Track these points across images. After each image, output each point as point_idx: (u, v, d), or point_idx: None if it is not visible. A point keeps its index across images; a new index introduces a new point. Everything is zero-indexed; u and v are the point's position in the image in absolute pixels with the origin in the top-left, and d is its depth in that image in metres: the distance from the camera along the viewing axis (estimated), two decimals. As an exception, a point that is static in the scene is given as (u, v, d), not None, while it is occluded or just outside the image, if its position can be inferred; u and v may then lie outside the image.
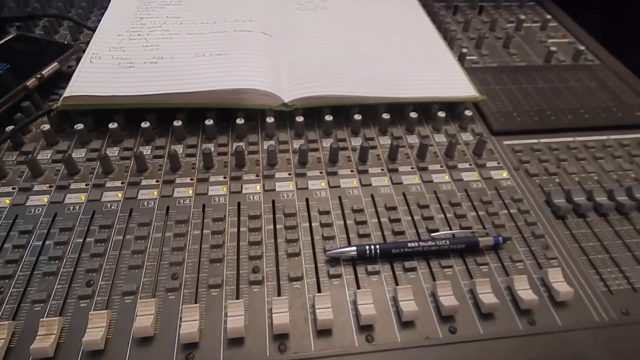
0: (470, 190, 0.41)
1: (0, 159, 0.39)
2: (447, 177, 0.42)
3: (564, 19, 0.70)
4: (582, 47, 0.61)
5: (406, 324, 0.31)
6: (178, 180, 0.40)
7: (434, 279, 0.34)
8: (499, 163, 0.44)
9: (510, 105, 0.52)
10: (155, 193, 0.39)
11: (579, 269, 0.35)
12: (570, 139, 0.48)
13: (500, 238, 0.36)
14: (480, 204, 0.40)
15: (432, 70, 0.51)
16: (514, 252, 0.36)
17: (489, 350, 0.30)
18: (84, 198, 0.38)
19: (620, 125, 0.50)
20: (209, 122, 0.44)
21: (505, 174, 0.43)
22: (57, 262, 0.33)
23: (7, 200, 0.37)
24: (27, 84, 0.44)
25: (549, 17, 0.69)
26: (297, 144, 0.44)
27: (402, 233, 0.37)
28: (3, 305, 0.30)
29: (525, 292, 0.32)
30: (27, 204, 0.37)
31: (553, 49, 0.60)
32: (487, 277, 0.34)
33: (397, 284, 0.33)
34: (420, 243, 0.35)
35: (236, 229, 0.36)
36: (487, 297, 0.32)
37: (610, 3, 0.80)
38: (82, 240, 0.35)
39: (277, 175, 0.41)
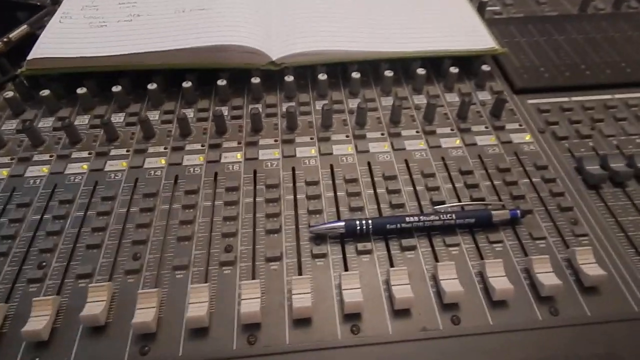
0: (485, 157, 0.35)
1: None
2: (458, 142, 0.37)
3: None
4: (625, -9, 0.53)
5: (400, 313, 0.26)
6: (151, 150, 0.36)
7: (436, 260, 0.29)
8: (520, 125, 0.38)
9: (537, 60, 0.44)
10: (125, 164, 0.35)
11: (615, 249, 0.30)
12: (609, 96, 0.41)
13: (519, 211, 0.30)
14: (496, 172, 0.34)
15: (444, 19, 0.45)
16: (534, 228, 0.30)
17: (499, 345, 0.25)
18: (46, 170, 0.34)
19: (669, 79, 0.42)
20: (187, 84, 0.39)
21: (528, 137, 0.37)
22: (10, 241, 0.30)
23: (-35, 174, 0.34)
24: (-7, 47, 0.40)
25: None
26: (285, 106, 0.39)
27: (401, 206, 0.32)
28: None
29: (547, 276, 0.27)
30: (-13, 177, 0.34)
31: (590, -6, 0.52)
32: (501, 257, 0.29)
33: (392, 265, 0.28)
34: (421, 217, 0.30)
35: (210, 203, 0.32)
36: (499, 281, 0.27)
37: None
38: (39, 217, 0.31)
39: (262, 142, 0.36)
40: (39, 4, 0.48)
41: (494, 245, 0.30)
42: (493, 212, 0.30)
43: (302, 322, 0.26)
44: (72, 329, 0.25)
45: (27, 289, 0.27)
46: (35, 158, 0.35)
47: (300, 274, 0.28)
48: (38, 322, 0.25)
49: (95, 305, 0.25)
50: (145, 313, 0.25)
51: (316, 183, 0.33)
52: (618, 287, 0.27)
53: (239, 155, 0.35)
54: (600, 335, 0.25)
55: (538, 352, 0.25)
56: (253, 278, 0.28)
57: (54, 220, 0.31)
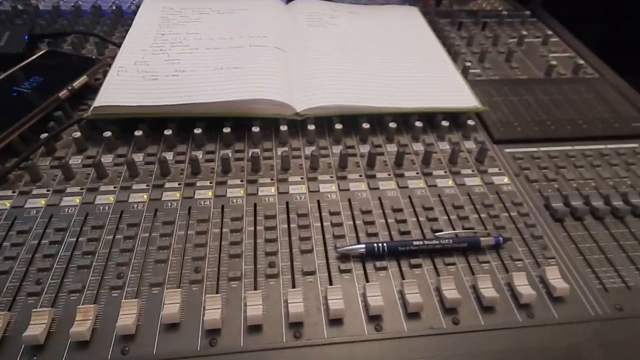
0: (473, 194, 0.44)
1: (35, 164, 0.42)
2: (450, 182, 0.45)
3: (565, 34, 0.73)
4: (581, 62, 0.64)
5: (412, 315, 0.33)
6: (199, 184, 0.43)
7: (438, 275, 0.36)
8: (500, 169, 0.47)
9: (512, 116, 0.54)
10: (178, 195, 0.42)
11: (576, 268, 0.38)
12: (569, 147, 0.51)
13: (501, 238, 0.38)
14: (482, 207, 0.42)
15: (437, 82, 0.54)
16: (513, 252, 0.38)
17: (490, 339, 0.32)
18: (112, 199, 0.41)
19: (617, 135, 0.52)
20: (226, 130, 0.47)
21: (506, 180, 0.46)
22: (90, 256, 0.36)
23: (42, 201, 0.40)
24: (60, 95, 0.48)
25: (549, 32, 0.73)
26: (308, 150, 0.47)
27: (408, 233, 0.39)
28: (42, 295, 0.33)
29: (524, 288, 0.35)
30: (61, 204, 0.40)
31: (553, 62, 0.63)
32: (488, 273, 0.36)
33: (403, 278, 0.36)
34: (425, 241, 0.37)
35: (253, 228, 0.39)
36: (488, 291, 0.34)
37: (609, 18, 0.83)
38: (112, 237, 0.37)
39: (291, 179, 0.44)
40: (93, 57, 0.56)
41: (483, 264, 0.37)
42: (481, 238, 0.38)
43: (336, 321, 0.33)
44: (152, 325, 0.32)
45: (110, 293, 0.33)
46: (102, 188, 0.42)
47: (331, 284, 0.35)
48: (128, 318, 0.31)
49: (172, 306, 0.32)
50: (213, 312, 0.31)
51: (338, 213, 0.41)
52: (579, 297, 0.35)
53: (272, 190, 0.43)
54: (566, 333, 0.33)
55: (519, 345, 0.32)
56: (293, 287, 0.35)
57: (125, 240, 0.37)
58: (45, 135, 0.45)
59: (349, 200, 0.42)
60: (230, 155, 0.46)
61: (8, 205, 0.40)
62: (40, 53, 0.53)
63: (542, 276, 0.36)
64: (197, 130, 0.46)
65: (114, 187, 0.42)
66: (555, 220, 0.42)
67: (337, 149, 0.48)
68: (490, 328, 0.33)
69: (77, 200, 0.41)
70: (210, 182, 0.43)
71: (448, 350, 0.32)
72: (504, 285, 0.36)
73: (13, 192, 0.41)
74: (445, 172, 0.46)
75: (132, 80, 0.49)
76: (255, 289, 0.34)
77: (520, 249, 0.39)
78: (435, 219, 0.41)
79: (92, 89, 0.52)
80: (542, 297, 0.35)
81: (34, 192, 0.41)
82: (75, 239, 0.37)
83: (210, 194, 0.42)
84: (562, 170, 0.48)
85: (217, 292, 0.34)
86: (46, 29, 0.63)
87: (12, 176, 0.42)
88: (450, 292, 0.34)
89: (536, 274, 0.37)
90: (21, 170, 0.42)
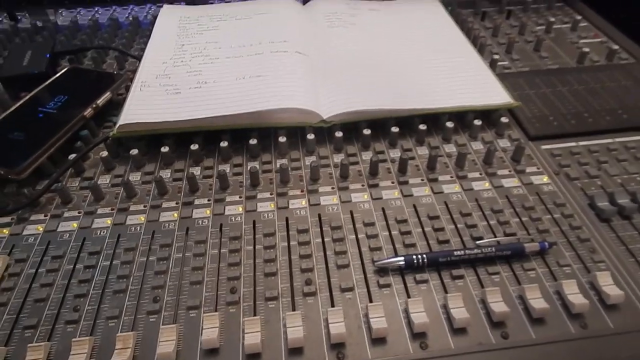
0: (512, 197, 0.42)
1: (65, 185, 0.42)
2: (487, 185, 0.43)
3: (595, 19, 0.70)
4: (615, 46, 0.61)
5: (458, 331, 0.32)
6: (228, 199, 0.42)
7: (482, 286, 0.35)
8: (538, 168, 0.45)
9: (546, 109, 0.52)
10: (208, 212, 0.41)
11: (628, 272, 0.36)
12: (610, 140, 0.48)
13: (546, 243, 0.37)
14: (522, 209, 0.41)
15: (466, 78, 0.52)
16: (560, 257, 0.37)
17: (543, 354, 0.31)
18: (143, 219, 0.40)
19: (662, 123, 0.49)
20: (253, 141, 0.46)
21: (545, 179, 0.44)
22: (125, 280, 0.35)
23: (74, 224, 0.40)
24: (85, 114, 0.47)
25: (579, 17, 0.69)
26: (337, 158, 0.46)
27: (446, 242, 0.38)
28: (81, 323, 0.33)
29: (575, 297, 0.33)
30: (93, 226, 0.40)
31: (585, 49, 0.60)
32: (535, 282, 0.34)
33: (446, 292, 0.34)
34: (467, 251, 0.36)
35: (286, 243, 0.38)
36: (537, 302, 0.33)
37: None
38: (145, 259, 0.37)
39: (321, 189, 0.43)
40: (115, 72, 0.56)
41: (529, 272, 0.36)
42: (525, 244, 0.36)
43: (379, 340, 0.31)
44: (192, 351, 0.31)
45: (147, 318, 0.33)
46: (132, 208, 0.41)
47: (370, 301, 0.34)
48: (167, 346, 0.30)
49: (210, 331, 0.31)
50: (252, 336, 0.31)
51: (372, 224, 0.39)
52: (634, 304, 0.33)
53: (303, 202, 0.42)
54: (624, 344, 0.31)
55: (574, 358, 0.30)
56: (332, 305, 0.34)
57: (159, 262, 0.37)
58: (73, 155, 0.45)
59: (383, 210, 0.41)
60: (258, 167, 0.45)
61: (41, 229, 0.40)
62: (63, 71, 0.53)
63: (593, 282, 0.35)
64: (224, 144, 0.46)
65: (144, 207, 0.42)
66: (601, 220, 0.40)
67: (366, 156, 0.46)
68: (543, 342, 0.31)
69: (108, 221, 0.40)
70: (240, 197, 0.42)
71: (499, 367, 0.30)
72: (553, 294, 0.34)
73: (45, 216, 0.41)
74: (480, 174, 0.44)
75: (156, 95, 0.49)
76: (294, 309, 0.33)
77: (567, 253, 0.37)
78: (475, 226, 0.39)
79: (115, 105, 0.51)
80: (594, 305, 0.33)
81: (66, 214, 0.41)
82: (109, 262, 0.37)
83: (240, 209, 0.41)
84: (604, 165, 0.45)
85: (254, 314, 0.33)
86: (66, 45, 0.63)
87: (43, 199, 0.42)
88: (498, 305, 0.32)
89: (586, 281, 0.35)
90: (52, 192, 0.42)
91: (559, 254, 0.37)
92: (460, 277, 0.35)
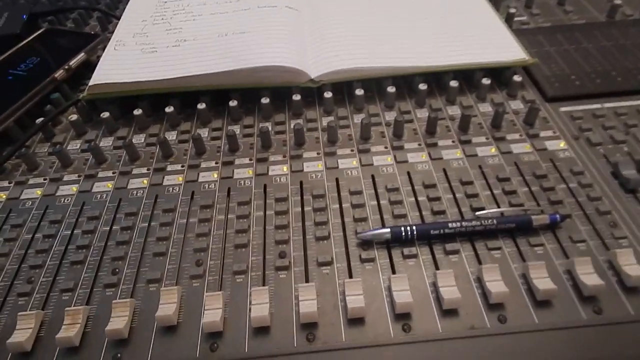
0: (521, 164, 0.37)
1: (30, 152, 0.39)
2: (494, 150, 0.38)
3: (630, -32, 0.62)
4: (652, -3, 0.53)
5: (448, 313, 0.28)
6: (203, 165, 0.39)
7: (479, 263, 0.30)
8: (554, 132, 0.39)
9: (568, 68, 0.46)
10: (181, 179, 0.37)
11: (655, 250, 0.30)
12: (641, 101, 0.42)
13: (558, 215, 0.32)
14: (533, 178, 0.35)
15: (474, 33, 0.46)
16: (574, 232, 0.32)
17: (546, 342, 0.26)
18: (110, 186, 0.37)
19: (702, 82, 0.43)
20: (233, 103, 0.42)
21: (562, 144, 0.38)
22: (84, 250, 0.32)
23: (38, 192, 0.37)
24: (56, 75, 0.44)
25: (611, -33, 0.61)
26: (326, 121, 0.41)
27: (442, 213, 0.33)
28: (33, 295, 0.30)
29: (589, 277, 0.28)
30: (57, 194, 0.37)
31: (617, 2, 0.53)
32: (543, 259, 0.30)
33: (437, 268, 0.30)
34: (463, 223, 0.31)
35: (262, 213, 0.34)
36: (543, 282, 0.28)
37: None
38: (108, 228, 0.34)
39: (305, 155, 0.39)
40: (92, 32, 0.52)
41: (535, 248, 0.31)
42: (533, 216, 0.32)
43: (356, 321, 0.28)
44: (147, 329, 0.28)
45: (104, 292, 0.30)
46: (100, 175, 0.38)
47: (350, 277, 0.30)
48: (119, 322, 0.27)
49: (168, 307, 0.28)
50: (213, 313, 0.27)
51: (359, 192, 0.35)
52: (660, 286, 0.28)
53: (285, 168, 0.38)
54: (645, 333, 0.26)
55: (584, 349, 0.26)
56: (307, 281, 0.30)
57: (122, 232, 0.34)
58: (41, 119, 0.42)
59: (372, 177, 0.36)
60: (237, 131, 0.41)
61: (4, 197, 0.37)
62: (38, 33, 0.50)
63: (611, 261, 0.30)
64: (201, 106, 0.42)
65: (113, 173, 0.38)
66: (626, 191, 0.34)
67: (359, 119, 0.42)
68: (547, 328, 0.27)
69: (74, 188, 0.37)
70: (216, 163, 0.39)
71: (492, 355, 0.26)
72: (563, 274, 0.29)
73: (10, 183, 0.38)
74: (487, 138, 0.39)
75: (130, 54, 0.45)
76: (264, 284, 0.30)
77: (582, 228, 0.32)
78: (476, 195, 0.34)
79: (92, 68, 0.48)
80: (612, 287, 0.28)
81: (31, 181, 0.38)
82: (70, 232, 0.34)
83: (215, 176, 0.38)
84: (633, 129, 0.39)
85: (220, 289, 0.30)
86: (48, 7, 0.60)
87: (9, 165, 0.40)
88: (495, 284, 0.28)
89: (604, 259, 0.30)
90: (18, 158, 0.40)
91: (573, 228, 0.32)
92: (455, 252, 0.31)
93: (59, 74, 0.44)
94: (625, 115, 0.41)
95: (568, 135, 0.39)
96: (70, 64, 0.45)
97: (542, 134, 0.39)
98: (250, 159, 0.39)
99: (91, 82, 0.42)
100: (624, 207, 0.33)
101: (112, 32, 0.54)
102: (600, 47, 0.48)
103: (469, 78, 0.44)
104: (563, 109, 0.42)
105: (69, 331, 0.27)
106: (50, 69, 0.45)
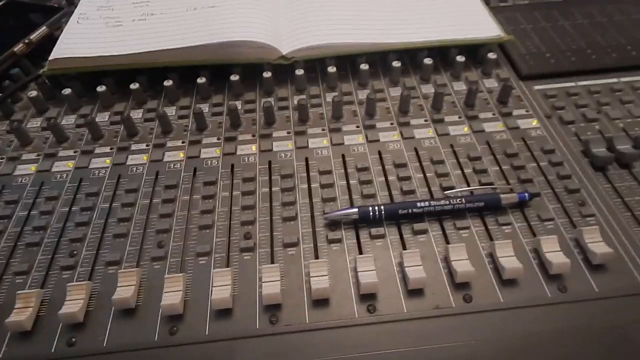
0: (493, 143, 0.36)
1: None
2: (466, 129, 0.37)
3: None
4: (630, -25, 0.53)
5: (414, 293, 0.27)
6: (169, 144, 0.37)
7: (447, 242, 0.30)
8: (527, 111, 0.39)
9: (543, 46, 0.45)
10: (146, 158, 0.36)
11: (622, 228, 0.30)
12: (614, 80, 0.42)
13: (527, 194, 0.31)
14: (504, 157, 0.35)
15: (450, 8, 0.45)
16: (542, 210, 0.31)
17: (510, 320, 0.26)
18: (71, 165, 0.36)
19: (676, 61, 0.43)
20: (201, 80, 0.40)
21: (534, 123, 0.38)
22: (41, 232, 0.31)
23: (-6, 171, 0.36)
24: (15, 49, 0.42)
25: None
26: (297, 99, 0.40)
27: (412, 192, 0.33)
28: (-14, 278, 0.29)
29: (555, 255, 0.28)
30: (15, 173, 0.35)
31: (595, -21, 0.52)
32: (510, 238, 0.30)
33: (404, 248, 0.30)
34: (432, 202, 0.31)
35: (229, 193, 0.33)
36: (509, 260, 0.28)
37: None
38: (67, 209, 0.33)
39: (275, 134, 0.38)
40: (56, 5, 0.50)
41: (503, 227, 0.31)
42: (502, 195, 0.31)
43: (320, 302, 0.27)
44: (104, 312, 0.27)
45: (60, 275, 0.29)
46: (61, 154, 0.37)
47: (316, 258, 0.29)
48: (74, 305, 0.26)
49: (126, 290, 0.27)
50: (173, 296, 0.26)
51: (329, 172, 0.34)
52: (625, 263, 0.28)
53: (253, 148, 0.37)
54: (608, 310, 0.26)
55: (548, 326, 0.26)
56: (272, 263, 0.29)
57: (82, 212, 0.32)
58: (-1, 96, 0.40)
59: (343, 157, 0.36)
60: (207, 109, 0.40)
61: (-42, 177, 0.35)
62: (-2, 5, 0.47)
63: (578, 239, 0.30)
64: (168, 83, 0.40)
65: (74, 152, 0.37)
66: (596, 169, 0.34)
67: (331, 97, 0.40)
68: (511, 306, 0.27)
69: (32, 168, 0.36)
70: (183, 142, 0.37)
71: (457, 334, 0.26)
72: (530, 253, 0.29)
73: (-36, 163, 0.36)
74: (459, 117, 0.39)
75: (94, 27, 0.43)
76: (228, 265, 0.29)
77: (550, 206, 0.32)
78: (446, 175, 0.34)
79: (55, 42, 0.46)
80: (578, 265, 0.28)
81: (-13, 161, 0.37)
82: (26, 213, 0.32)
83: (181, 155, 0.36)
84: (606, 107, 0.39)
85: (181, 271, 0.29)
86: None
87: (-36, 144, 0.38)
88: (461, 263, 0.28)
89: (571, 237, 0.30)
90: (-27, 137, 0.38)
91: (542, 206, 0.32)
92: (423, 232, 0.30)
93: (19, 47, 0.42)
94: (598, 93, 0.40)
95: (541, 114, 0.39)
96: (31, 37, 0.43)
97: (515, 112, 0.39)
98: (219, 138, 0.38)
99: (51, 57, 0.40)
100: (592, 185, 0.33)
101: (77, 5, 0.52)
102: (576, 24, 0.48)
103: (444, 56, 0.43)
104: (537, 87, 0.41)
105: (20, 315, 0.26)
106: (8, 43, 0.43)
